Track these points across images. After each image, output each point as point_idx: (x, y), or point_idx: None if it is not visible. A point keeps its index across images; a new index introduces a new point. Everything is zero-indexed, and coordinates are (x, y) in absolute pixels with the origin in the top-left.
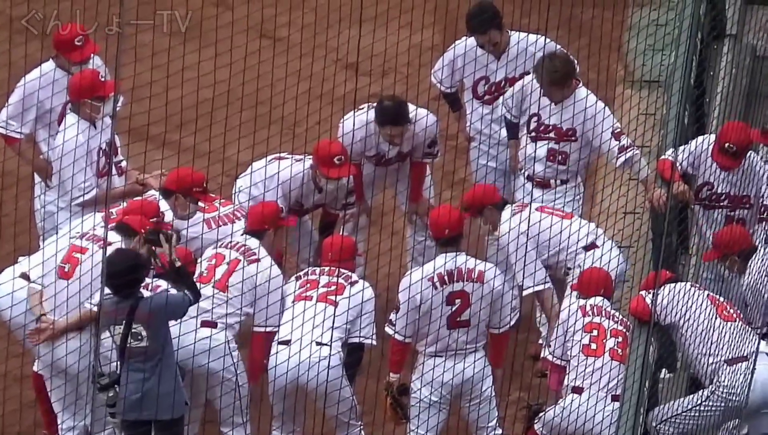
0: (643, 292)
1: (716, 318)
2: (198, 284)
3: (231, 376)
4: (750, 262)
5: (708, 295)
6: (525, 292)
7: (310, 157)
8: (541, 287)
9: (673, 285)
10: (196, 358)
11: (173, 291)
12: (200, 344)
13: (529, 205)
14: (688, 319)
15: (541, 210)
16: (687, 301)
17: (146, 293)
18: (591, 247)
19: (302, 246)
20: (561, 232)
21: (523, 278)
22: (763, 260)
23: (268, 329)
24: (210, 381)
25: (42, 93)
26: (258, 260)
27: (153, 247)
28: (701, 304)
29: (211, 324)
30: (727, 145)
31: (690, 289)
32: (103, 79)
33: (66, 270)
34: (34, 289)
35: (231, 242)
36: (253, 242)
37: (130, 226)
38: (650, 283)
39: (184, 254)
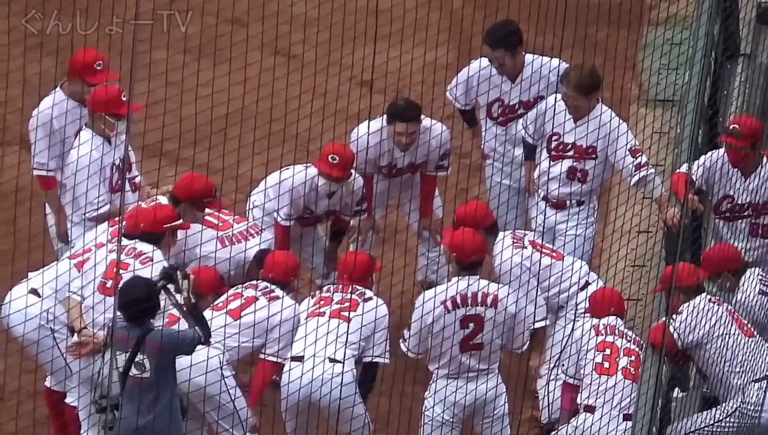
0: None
1: (740, 335)
2: (210, 312)
3: (222, 391)
4: (742, 280)
5: (728, 309)
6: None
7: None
8: (541, 323)
9: (690, 304)
10: (184, 372)
11: (184, 326)
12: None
13: (529, 234)
14: (714, 336)
15: (533, 245)
16: (711, 318)
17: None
18: (584, 286)
19: (313, 253)
20: (551, 274)
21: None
22: (754, 281)
23: (279, 360)
24: (200, 397)
25: (56, 123)
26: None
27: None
28: (724, 321)
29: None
30: (732, 127)
31: (712, 306)
32: (124, 99)
33: (108, 286)
34: (75, 301)
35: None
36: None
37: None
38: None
39: (213, 276)
